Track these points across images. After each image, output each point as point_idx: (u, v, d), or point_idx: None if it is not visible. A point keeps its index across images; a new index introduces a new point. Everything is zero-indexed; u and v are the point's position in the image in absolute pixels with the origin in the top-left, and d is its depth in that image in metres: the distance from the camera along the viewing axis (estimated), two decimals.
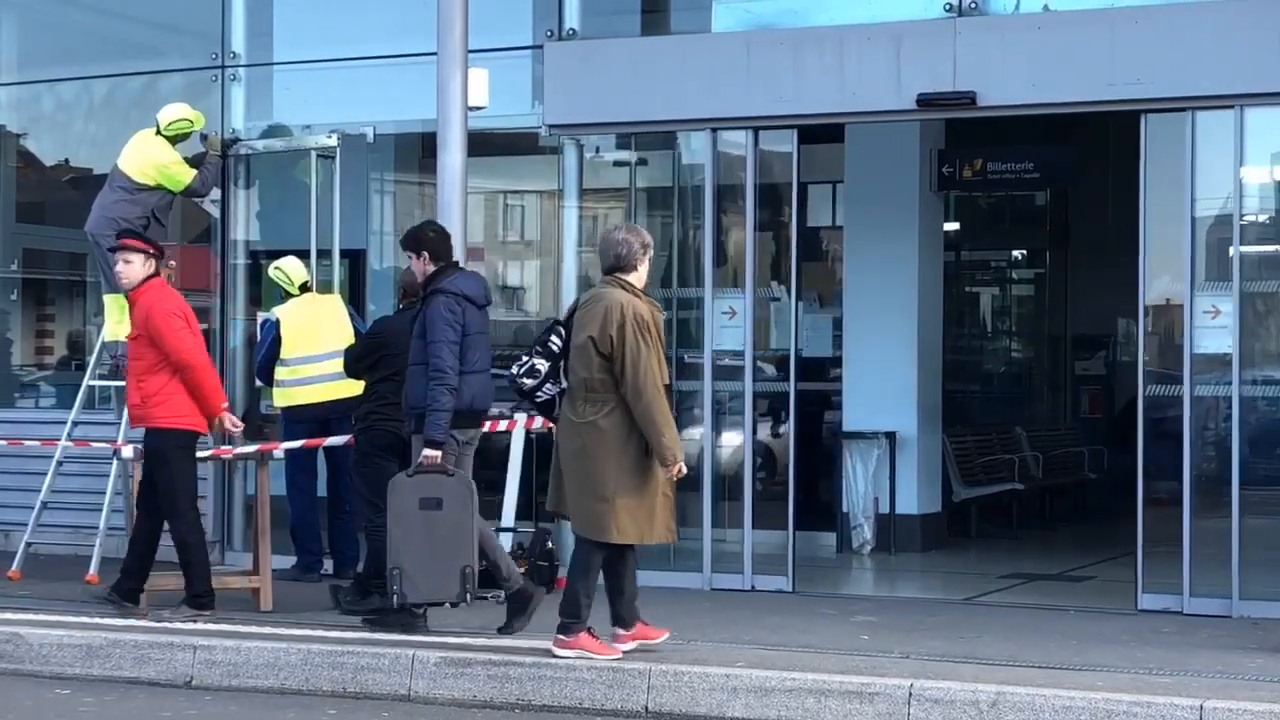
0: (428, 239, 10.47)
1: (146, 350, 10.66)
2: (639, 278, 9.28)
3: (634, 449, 9.10)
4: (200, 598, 10.79)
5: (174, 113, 13.02)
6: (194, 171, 12.93)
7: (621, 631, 9.41)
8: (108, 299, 12.96)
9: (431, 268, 10.39)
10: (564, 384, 9.28)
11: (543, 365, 9.30)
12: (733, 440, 12.85)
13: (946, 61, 11.82)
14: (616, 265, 9.25)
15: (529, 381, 9.33)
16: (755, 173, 12.51)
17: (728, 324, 12.59)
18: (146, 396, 10.65)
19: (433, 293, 10.24)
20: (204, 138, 13.33)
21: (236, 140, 13.89)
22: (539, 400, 9.41)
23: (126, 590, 10.97)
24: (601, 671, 9.06)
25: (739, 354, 12.54)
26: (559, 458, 9.37)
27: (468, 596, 10.06)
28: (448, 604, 10.20)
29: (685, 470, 9.26)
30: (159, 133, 12.93)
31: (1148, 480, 11.49)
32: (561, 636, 9.29)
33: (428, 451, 10.05)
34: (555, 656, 9.24)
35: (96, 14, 15.54)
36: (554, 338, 9.31)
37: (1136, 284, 11.59)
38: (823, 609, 11.42)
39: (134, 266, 10.78)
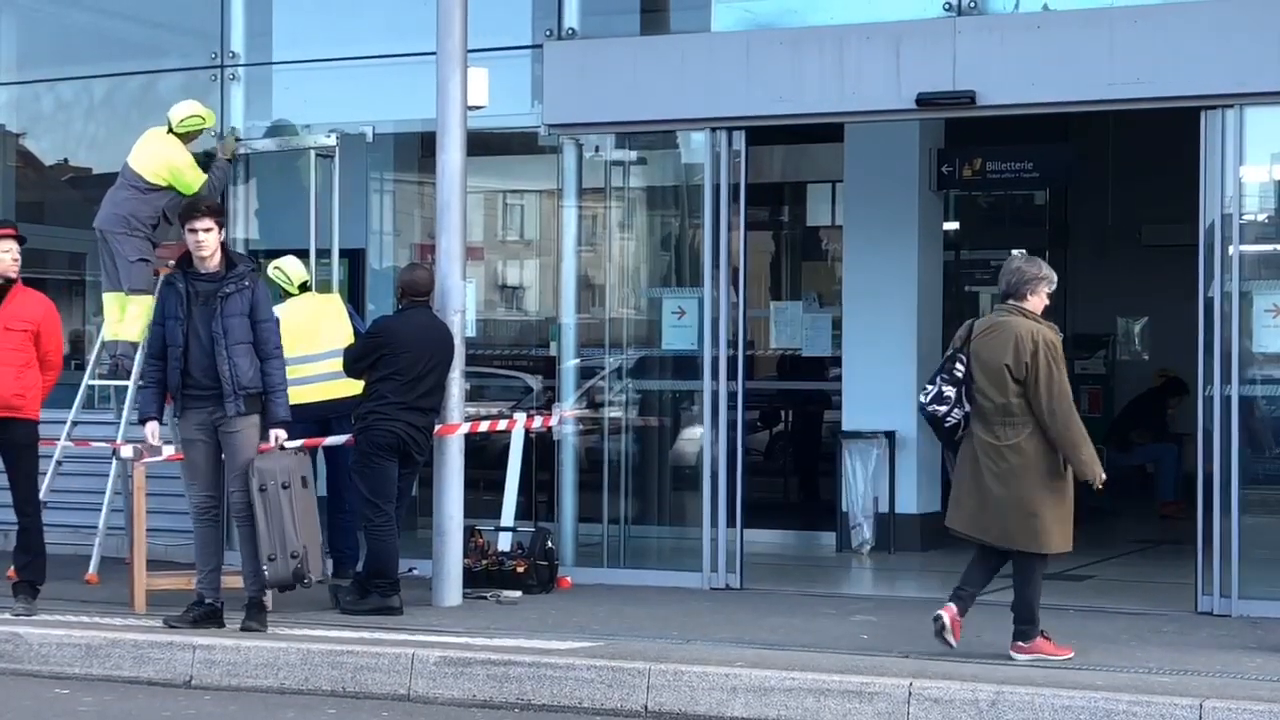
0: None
1: (28, 345, 10.93)
2: (1035, 304, 9.72)
3: (1055, 465, 9.50)
4: (38, 585, 11.02)
5: (185, 110, 12.97)
6: (204, 178, 12.86)
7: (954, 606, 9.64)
8: (107, 297, 12.94)
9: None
10: (966, 408, 9.62)
11: (950, 392, 9.64)
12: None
13: (946, 61, 11.82)
14: (1010, 292, 9.72)
15: (941, 409, 9.67)
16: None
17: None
18: (27, 389, 10.91)
19: (255, 270, 10.61)
20: (220, 138, 13.27)
21: (236, 139, 13.87)
22: (947, 425, 9.71)
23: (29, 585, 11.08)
24: (601, 671, 9.05)
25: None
26: (970, 479, 9.64)
27: (327, 570, 10.77)
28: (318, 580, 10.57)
29: (1103, 483, 9.56)
30: (171, 130, 12.90)
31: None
32: (1020, 643, 9.57)
33: (280, 432, 10.38)
34: (1013, 661, 9.42)
35: (96, 13, 15.51)
36: (958, 365, 9.64)
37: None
38: (823, 609, 11.41)
39: (18, 258, 10.98)
